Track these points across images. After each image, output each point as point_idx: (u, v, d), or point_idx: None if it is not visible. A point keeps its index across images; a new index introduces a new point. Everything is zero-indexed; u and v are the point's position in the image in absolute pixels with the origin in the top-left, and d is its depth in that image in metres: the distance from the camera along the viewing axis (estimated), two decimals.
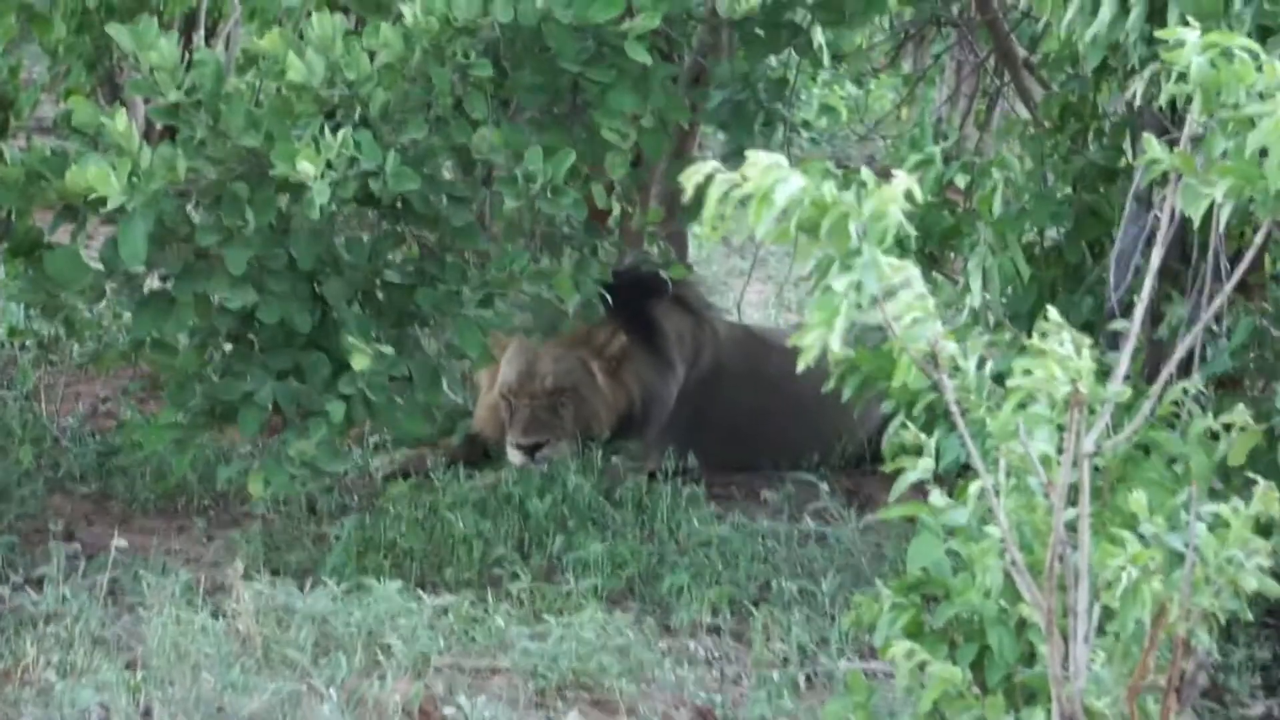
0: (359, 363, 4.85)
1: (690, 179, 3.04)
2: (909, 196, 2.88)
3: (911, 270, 3.07)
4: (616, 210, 6.60)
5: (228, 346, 5.15)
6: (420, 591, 5.08)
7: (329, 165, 4.68)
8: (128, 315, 6.25)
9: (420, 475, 6.21)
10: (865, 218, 3.01)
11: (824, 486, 6.14)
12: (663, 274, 6.36)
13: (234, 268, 4.85)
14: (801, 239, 3.04)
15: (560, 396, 6.40)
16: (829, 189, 3.05)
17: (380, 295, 5.16)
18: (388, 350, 4.90)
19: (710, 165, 3.06)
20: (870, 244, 3.02)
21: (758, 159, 3.05)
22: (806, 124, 6.87)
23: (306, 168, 4.63)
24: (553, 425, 6.35)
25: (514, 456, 6.31)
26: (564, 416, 6.40)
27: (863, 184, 3.06)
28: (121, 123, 4.58)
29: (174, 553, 5.56)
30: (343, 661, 4.63)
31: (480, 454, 6.55)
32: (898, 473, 3.61)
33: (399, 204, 5.03)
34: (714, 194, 3.04)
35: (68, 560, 5.20)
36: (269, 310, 4.93)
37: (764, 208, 3.03)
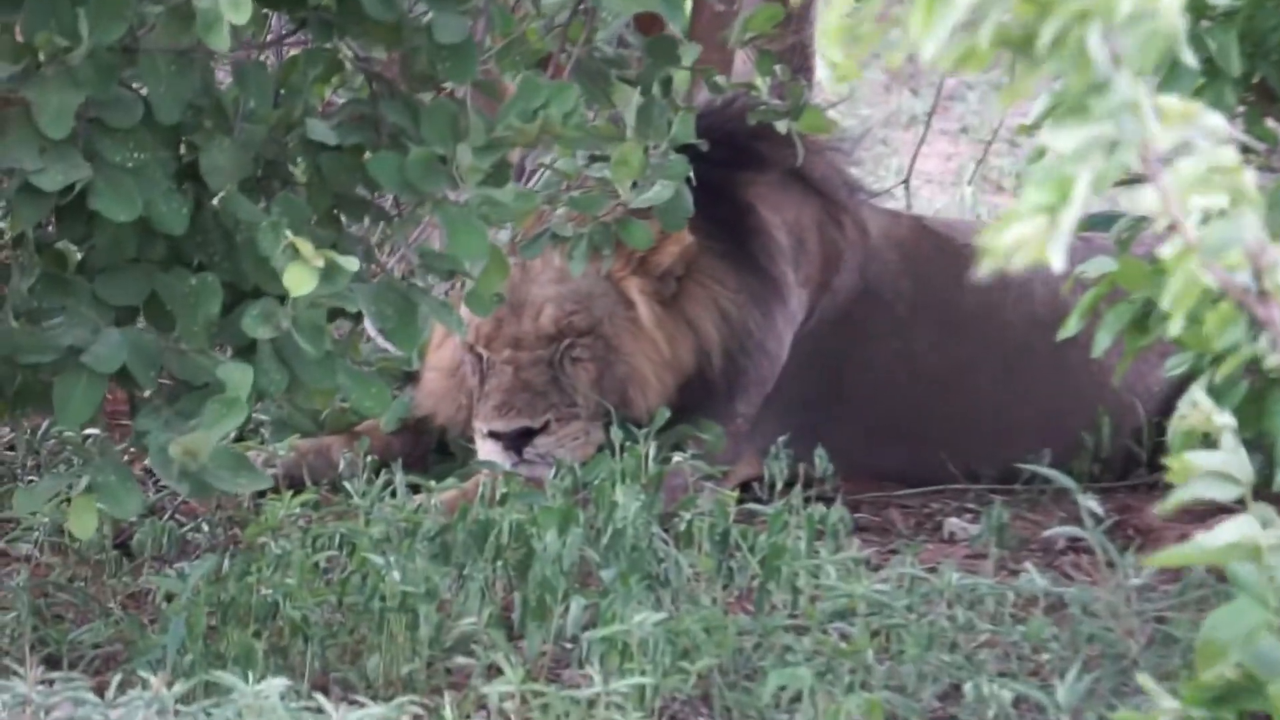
0: (298, 282, 4.78)
1: None
2: None
3: (1211, 119, 3.04)
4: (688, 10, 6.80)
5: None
6: (321, 697, 5.02)
7: None
8: None
9: (323, 485, 6.40)
10: (1119, 20, 2.98)
11: (1060, 512, 6.41)
12: (776, 125, 6.28)
13: (51, 125, 4.91)
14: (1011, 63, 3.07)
15: (571, 345, 6.57)
16: None
17: (301, 167, 5.24)
18: (349, 262, 4.86)
19: None
20: (1127, 69, 2.99)
21: None
22: None
23: None
24: (557, 398, 6.52)
25: (489, 452, 6.45)
26: (579, 380, 6.56)
27: None
28: None
29: None
30: None
31: (429, 448, 6.77)
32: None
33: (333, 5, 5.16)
34: None
35: None
36: (113, 197, 4.97)
37: (936, 7, 2.99)
